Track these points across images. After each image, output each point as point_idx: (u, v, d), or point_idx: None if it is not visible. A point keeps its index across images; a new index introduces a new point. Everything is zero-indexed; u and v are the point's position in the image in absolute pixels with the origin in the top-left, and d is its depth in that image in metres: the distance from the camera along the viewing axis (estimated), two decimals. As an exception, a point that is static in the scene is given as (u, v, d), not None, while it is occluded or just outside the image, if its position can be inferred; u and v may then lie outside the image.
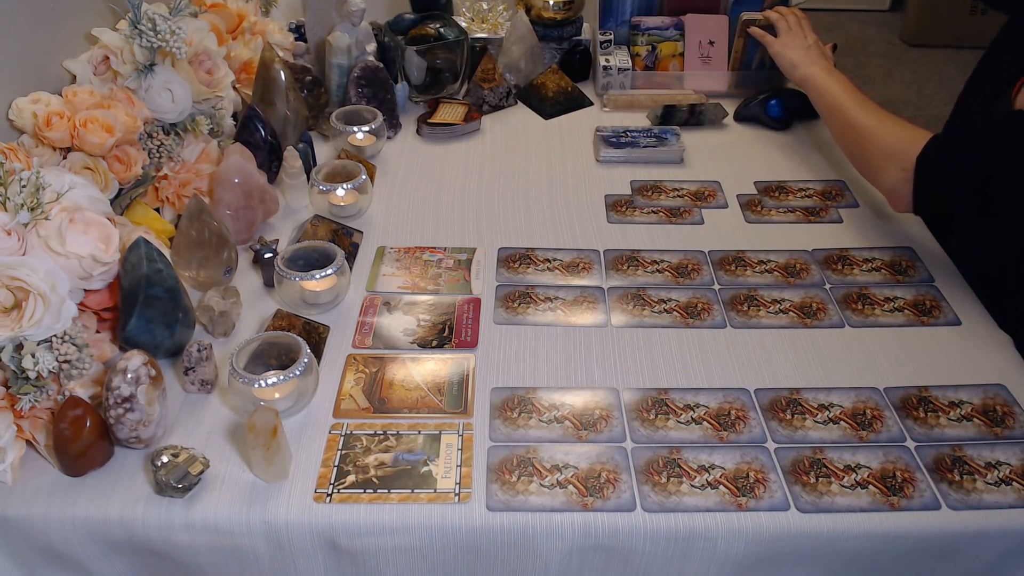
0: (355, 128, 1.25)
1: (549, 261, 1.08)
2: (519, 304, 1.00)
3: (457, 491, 0.77)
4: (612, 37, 1.51)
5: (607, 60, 1.49)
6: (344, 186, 1.11)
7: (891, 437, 0.83)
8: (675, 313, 0.99)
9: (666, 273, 1.06)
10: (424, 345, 0.94)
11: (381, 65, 1.36)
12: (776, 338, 0.96)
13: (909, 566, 0.77)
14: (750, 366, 0.92)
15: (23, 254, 0.77)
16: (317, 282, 0.94)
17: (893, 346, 0.94)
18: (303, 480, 0.78)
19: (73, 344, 0.76)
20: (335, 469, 0.79)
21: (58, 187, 0.80)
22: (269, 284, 1.01)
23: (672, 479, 0.78)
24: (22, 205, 0.76)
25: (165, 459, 0.74)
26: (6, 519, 0.75)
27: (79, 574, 0.78)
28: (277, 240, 1.03)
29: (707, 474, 0.79)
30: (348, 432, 0.83)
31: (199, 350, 0.85)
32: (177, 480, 0.74)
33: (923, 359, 0.93)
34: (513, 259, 1.08)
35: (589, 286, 1.04)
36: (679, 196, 1.22)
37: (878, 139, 1.06)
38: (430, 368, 0.91)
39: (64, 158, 0.93)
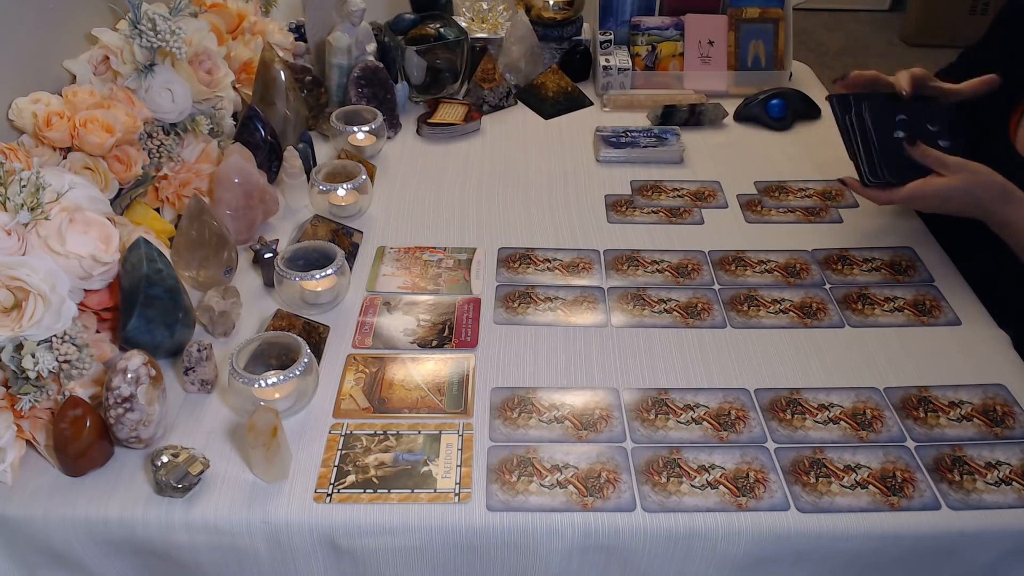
0: (355, 128, 1.25)
1: (549, 261, 1.08)
2: (519, 304, 1.00)
3: (457, 491, 0.77)
4: (612, 37, 1.51)
5: (607, 60, 1.49)
6: (344, 186, 1.11)
7: (891, 437, 0.83)
8: (675, 313, 0.99)
9: (666, 273, 1.06)
10: (424, 345, 0.94)
11: (381, 65, 1.36)
12: (776, 338, 0.96)
13: (909, 566, 0.77)
14: (750, 366, 0.92)
15: (23, 254, 0.77)
16: (317, 282, 0.94)
17: (893, 346, 0.94)
18: (303, 480, 0.78)
19: (73, 344, 0.76)
20: (335, 469, 0.79)
21: (58, 187, 0.80)
22: (269, 284, 1.01)
23: (672, 479, 0.78)
24: (22, 205, 0.76)
25: (165, 459, 0.74)
26: (6, 519, 0.75)
27: (79, 574, 0.78)
28: (277, 240, 1.03)
29: (707, 474, 0.79)
30: (348, 432, 0.83)
31: (199, 350, 0.85)
32: (177, 480, 0.74)
33: (923, 359, 0.93)
34: (513, 259, 1.08)
35: (589, 286, 1.04)
36: (679, 196, 1.22)
37: None
38: (430, 368, 0.91)
39: (64, 158, 0.93)
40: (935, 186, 0.96)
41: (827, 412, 0.86)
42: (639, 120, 1.43)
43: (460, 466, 0.79)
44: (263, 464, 0.76)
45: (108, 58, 1.01)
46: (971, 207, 0.96)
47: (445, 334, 0.95)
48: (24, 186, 0.77)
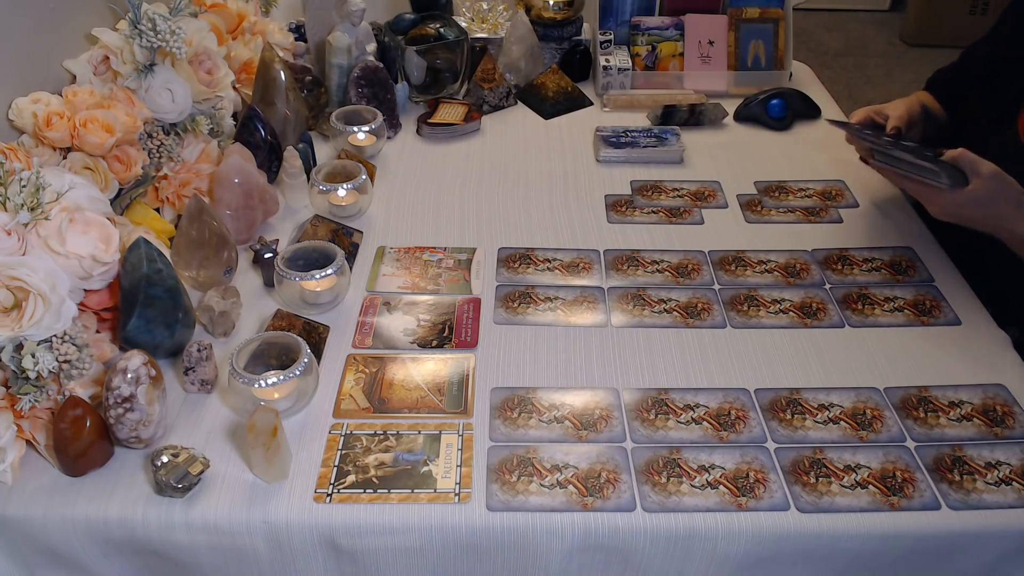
0: (355, 128, 1.25)
1: (549, 261, 1.08)
2: (519, 304, 1.00)
3: (457, 491, 0.77)
4: (612, 37, 1.51)
5: (607, 60, 1.49)
6: (344, 186, 1.11)
7: (891, 437, 0.83)
8: (675, 313, 0.99)
9: (666, 273, 1.06)
10: (424, 345, 0.94)
11: (381, 65, 1.36)
12: (776, 338, 0.96)
13: (909, 566, 0.77)
14: (750, 366, 0.92)
15: (23, 254, 0.77)
16: (317, 282, 0.94)
17: (893, 346, 0.94)
18: (303, 480, 0.78)
19: (73, 344, 0.76)
20: (335, 469, 0.79)
21: (58, 187, 0.80)
22: (269, 284, 1.01)
23: (672, 479, 0.78)
24: (22, 205, 0.76)
25: (165, 459, 0.74)
26: (6, 519, 0.75)
27: (79, 574, 0.78)
28: (277, 240, 1.03)
29: (707, 474, 0.79)
30: (348, 432, 0.83)
31: (199, 350, 0.85)
32: (177, 480, 0.74)
33: (923, 359, 0.93)
34: (513, 259, 1.08)
35: (589, 286, 1.03)
36: (679, 196, 1.22)
37: None
38: (430, 368, 0.91)
39: (64, 158, 0.93)
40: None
41: (827, 412, 0.86)
42: (639, 120, 1.43)
43: (460, 466, 0.79)
44: (263, 464, 0.76)
45: (108, 58, 1.01)
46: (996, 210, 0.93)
47: (445, 334, 0.95)
48: (24, 186, 0.77)
